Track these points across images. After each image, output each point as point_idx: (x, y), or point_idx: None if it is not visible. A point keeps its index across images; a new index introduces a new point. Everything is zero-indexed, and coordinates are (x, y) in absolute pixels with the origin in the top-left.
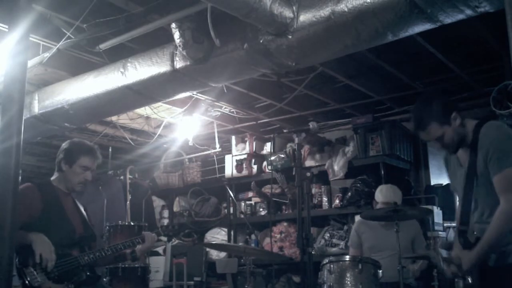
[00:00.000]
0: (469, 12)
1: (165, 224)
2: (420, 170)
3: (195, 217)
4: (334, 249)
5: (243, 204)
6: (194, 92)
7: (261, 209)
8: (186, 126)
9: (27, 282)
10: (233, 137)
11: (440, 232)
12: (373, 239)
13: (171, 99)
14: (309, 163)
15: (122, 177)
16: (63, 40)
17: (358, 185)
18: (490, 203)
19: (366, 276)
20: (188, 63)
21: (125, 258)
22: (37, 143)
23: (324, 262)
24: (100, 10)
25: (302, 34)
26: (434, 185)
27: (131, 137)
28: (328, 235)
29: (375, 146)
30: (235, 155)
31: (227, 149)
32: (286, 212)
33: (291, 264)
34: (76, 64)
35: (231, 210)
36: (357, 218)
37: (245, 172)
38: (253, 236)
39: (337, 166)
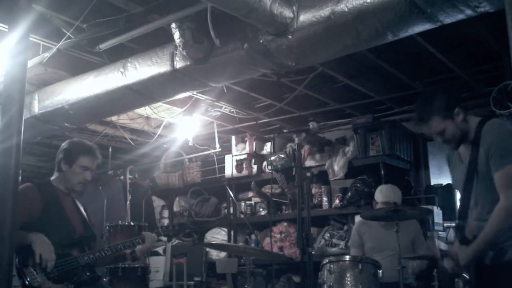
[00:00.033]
0: (469, 12)
1: (165, 224)
2: (420, 170)
3: (195, 217)
4: (334, 249)
5: (243, 204)
6: (194, 92)
7: (261, 209)
8: (186, 126)
9: (27, 282)
10: (233, 137)
11: (440, 232)
12: (374, 239)
13: (171, 99)
14: (309, 163)
15: (122, 177)
16: (63, 40)
17: (358, 185)
18: (490, 200)
19: (366, 276)
20: (188, 63)
21: (125, 258)
22: (37, 143)
23: (324, 262)
24: (100, 10)
25: (302, 34)
26: (434, 185)
27: (131, 137)
28: (328, 235)
29: (375, 146)
30: (235, 155)
31: (227, 149)
32: (286, 212)
33: (291, 264)
34: (76, 64)
35: (231, 210)
36: (357, 218)
37: (245, 172)
38: (253, 236)
39: (337, 166)
